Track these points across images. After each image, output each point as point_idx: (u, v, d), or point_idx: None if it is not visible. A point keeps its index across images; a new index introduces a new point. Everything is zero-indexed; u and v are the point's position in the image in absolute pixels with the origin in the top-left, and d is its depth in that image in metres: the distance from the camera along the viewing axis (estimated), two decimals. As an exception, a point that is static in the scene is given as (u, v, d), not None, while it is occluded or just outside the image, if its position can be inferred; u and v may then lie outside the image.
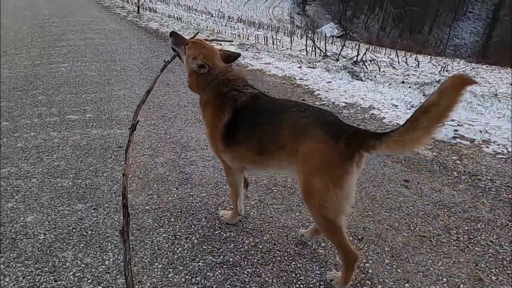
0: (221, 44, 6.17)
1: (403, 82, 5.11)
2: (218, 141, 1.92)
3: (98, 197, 2.44)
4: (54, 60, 5.69)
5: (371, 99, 4.18)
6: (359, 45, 9.71)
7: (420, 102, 4.16)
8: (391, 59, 10.22)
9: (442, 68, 8.19)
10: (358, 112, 3.85)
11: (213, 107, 1.92)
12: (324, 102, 4.10)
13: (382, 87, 4.68)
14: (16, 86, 4.55)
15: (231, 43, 7.36)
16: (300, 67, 5.39)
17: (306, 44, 9.15)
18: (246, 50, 6.43)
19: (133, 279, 1.59)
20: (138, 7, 10.75)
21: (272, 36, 11.79)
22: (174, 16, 14.17)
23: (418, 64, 8.89)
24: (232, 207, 2.24)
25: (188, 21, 13.50)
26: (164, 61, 2.48)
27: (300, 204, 2.36)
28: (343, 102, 4.08)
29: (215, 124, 1.92)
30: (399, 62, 8.89)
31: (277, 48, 9.90)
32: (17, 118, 3.65)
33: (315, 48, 8.86)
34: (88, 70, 5.18)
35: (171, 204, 2.38)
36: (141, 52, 6.15)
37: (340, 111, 3.87)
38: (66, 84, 4.63)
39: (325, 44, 8.99)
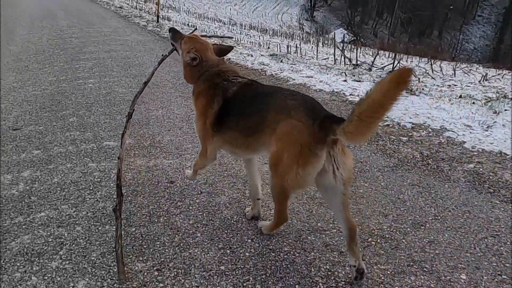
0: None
1: (461, 96, 4.61)
2: (208, 128, 2.03)
3: (159, 252, 1.98)
4: (79, 75, 5.28)
5: (439, 118, 3.71)
6: (395, 54, 9.21)
7: (495, 122, 3.67)
8: (421, 67, 9.70)
9: (482, 77, 7.66)
10: (431, 134, 3.37)
11: (205, 97, 2.04)
12: (388, 123, 3.62)
13: (443, 103, 4.19)
14: (44, 106, 4.14)
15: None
16: (345, 81, 4.92)
17: (334, 52, 8.68)
18: (281, 61, 5.97)
19: (123, 253, 1.79)
20: (158, 17, 10.39)
21: (296, 45, 11.33)
22: (188, 24, 13.82)
23: (454, 72, 8.36)
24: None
25: (203, 29, 13.14)
26: (162, 55, 2.65)
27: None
28: (409, 123, 3.60)
29: (206, 112, 2.03)
30: (433, 71, 8.37)
31: (301, 57, 9.44)
32: (49, 146, 3.22)
33: (344, 58, 8.39)
34: (118, 86, 4.76)
35: (250, 263, 1.91)
36: (171, 65, 5.74)
37: (410, 134, 3.39)
38: (97, 103, 4.20)
39: (356, 53, 8.49)
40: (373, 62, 7.80)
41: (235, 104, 1.94)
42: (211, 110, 2.00)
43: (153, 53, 6.67)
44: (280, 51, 9.66)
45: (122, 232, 1.97)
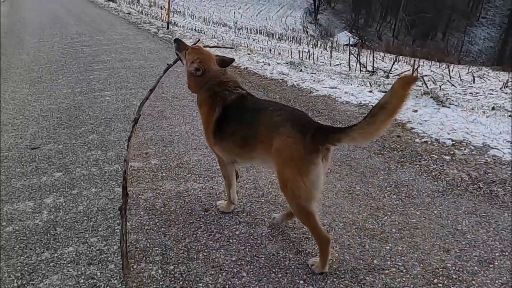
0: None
1: (493, 108, 4.39)
2: (210, 136, 2.14)
3: (205, 298, 1.79)
4: (95, 87, 5.10)
5: (478, 133, 3.49)
6: (414, 60, 8.99)
7: (539, 137, 3.44)
8: (436, 72, 9.49)
9: (503, 85, 7.43)
10: (474, 153, 3.16)
11: (207, 105, 2.14)
12: (426, 139, 3.41)
13: (478, 116, 3.97)
14: (61, 122, 3.96)
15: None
16: (371, 91, 4.71)
17: (349, 59, 8.47)
18: (301, 71, 5.77)
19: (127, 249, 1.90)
20: (168, 23, 10.22)
21: (308, 50, 11.14)
22: (195, 29, 13.65)
23: (474, 79, 8.13)
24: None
25: (211, 35, 12.97)
26: (167, 64, 2.68)
27: None
28: (449, 139, 3.38)
29: (209, 120, 2.13)
30: (450, 77, 8.15)
31: (314, 63, 9.24)
32: (70, 167, 3.03)
33: (360, 64, 8.18)
34: (136, 99, 4.58)
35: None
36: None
37: (452, 152, 3.18)
38: (116, 118, 4.02)
39: (373, 59, 8.28)
40: (390, 69, 7.58)
41: (232, 114, 2.06)
42: (212, 118, 2.11)
43: (167, 62, 6.46)
44: (292, 57, 9.47)
45: (127, 230, 2.04)
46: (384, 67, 8.93)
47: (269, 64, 6.22)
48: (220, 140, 2.11)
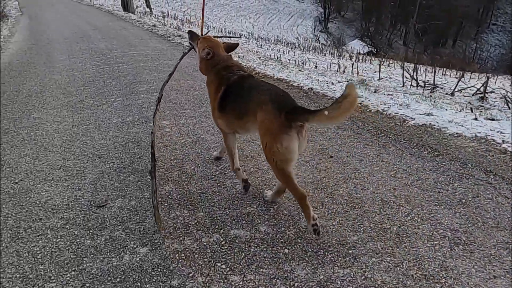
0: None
1: None
2: (216, 110, 2.53)
3: None
4: (148, 114, 4.35)
5: None
6: (463, 73, 8.15)
7: None
8: (473, 86, 8.68)
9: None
10: None
11: (214, 85, 2.52)
12: None
13: None
14: (123, 165, 3.20)
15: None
16: (476, 119, 3.91)
17: (403, 74, 7.68)
18: (375, 91, 4.99)
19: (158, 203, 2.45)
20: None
21: (339, 63, 10.37)
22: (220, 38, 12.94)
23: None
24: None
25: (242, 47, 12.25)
26: (183, 52, 3.20)
27: None
28: None
29: (215, 97, 2.51)
30: (486, 87, 7.26)
31: (377, 79, 8.42)
32: (157, 241, 2.26)
33: (416, 80, 7.39)
34: (203, 132, 3.82)
35: None
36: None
37: None
38: (189, 160, 3.24)
39: (434, 73, 7.49)
40: (456, 86, 6.77)
41: (233, 92, 2.39)
42: (217, 95, 2.45)
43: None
44: (339, 71, 8.70)
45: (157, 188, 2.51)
46: (428, 80, 8.08)
47: (332, 83, 5.45)
48: (223, 113, 2.48)
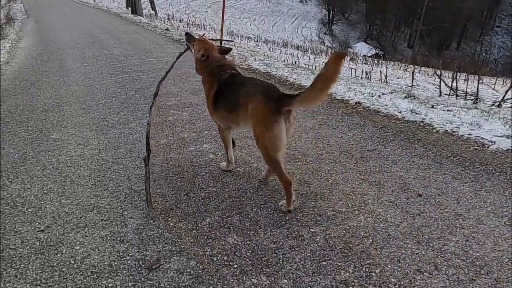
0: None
1: None
2: (211, 106, 2.70)
3: None
4: (185, 136, 3.78)
5: None
6: (479, 76, 7.56)
7: None
8: (494, 89, 8.12)
9: None
10: None
11: (208, 83, 2.70)
12: None
13: None
14: (170, 206, 2.62)
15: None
16: None
17: (440, 83, 7.09)
18: (432, 107, 4.41)
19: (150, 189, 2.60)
20: (221, 42, 8.94)
21: (365, 70, 9.77)
22: (240, 46, 12.35)
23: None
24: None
25: (241, 46, 11.65)
26: (180, 52, 3.36)
27: None
28: None
29: (209, 94, 2.69)
30: None
31: (381, 81, 7.84)
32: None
33: (456, 90, 6.81)
34: (253, 158, 3.24)
35: None
36: None
37: None
38: (248, 198, 2.67)
39: (478, 82, 6.91)
40: (504, 97, 6.18)
41: (225, 89, 2.58)
42: (212, 92, 2.66)
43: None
44: (353, 75, 8.12)
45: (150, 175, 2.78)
46: (459, 87, 7.46)
47: (379, 96, 4.88)
48: (217, 109, 2.67)
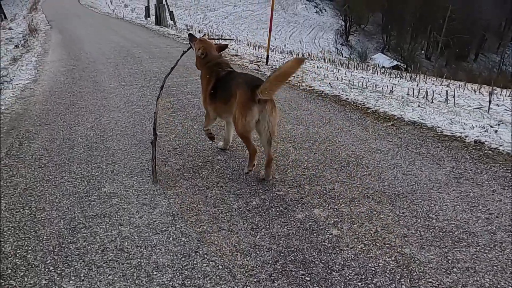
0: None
1: None
2: (207, 98, 3.04)
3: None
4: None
5: None
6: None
7: None
8: None
9: None
10: None
11: (206, 78, 3.04)
12: None
13: None
14: (234, 264, 1.61)
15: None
16: None
17: (490, 99, 5.96)
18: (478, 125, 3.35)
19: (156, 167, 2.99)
20: (267, 57, 8.02)
21: (420, 88, 8.64)
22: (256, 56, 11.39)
23: None
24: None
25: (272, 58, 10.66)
26: (183, 51, 3.52)
27: None
28: None
29: (206, 88, 3.03)
30: None
31: (431, 101, 6.74)
32: None
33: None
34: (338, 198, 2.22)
35: None
36: (328, 123, 3.23)
37: None
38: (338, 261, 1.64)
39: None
40: None
41: (221, 84, 2.92)
42: (208, 87, 2.99)
43: (305, 109, 4.27)
44: (384, 90, 7.04)
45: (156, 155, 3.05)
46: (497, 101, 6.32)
47: (464, 124, 3.85)
48: (213, 101, 2.99)
